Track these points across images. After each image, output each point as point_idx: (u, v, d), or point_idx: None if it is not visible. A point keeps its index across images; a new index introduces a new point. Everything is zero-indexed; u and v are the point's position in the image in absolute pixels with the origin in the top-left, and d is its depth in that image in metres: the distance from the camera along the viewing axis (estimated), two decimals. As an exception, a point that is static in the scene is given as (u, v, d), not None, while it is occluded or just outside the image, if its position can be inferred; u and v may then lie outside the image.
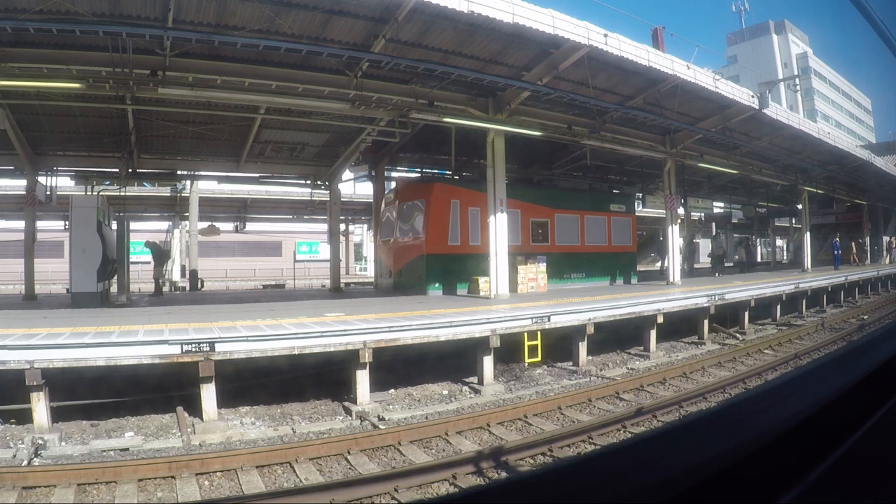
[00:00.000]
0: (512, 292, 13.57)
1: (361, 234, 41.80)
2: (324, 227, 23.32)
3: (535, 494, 0.88)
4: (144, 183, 21.73)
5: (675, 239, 17.48)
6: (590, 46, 10.19)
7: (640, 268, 22.61)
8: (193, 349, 6.70)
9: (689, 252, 27.65)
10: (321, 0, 8.94)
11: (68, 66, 9.52)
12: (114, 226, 13.87)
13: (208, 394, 6.92)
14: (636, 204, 22.04)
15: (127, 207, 19.57)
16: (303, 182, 17.77)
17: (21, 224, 16.25)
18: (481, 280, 13.55)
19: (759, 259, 39.28)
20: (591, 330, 10.19)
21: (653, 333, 11.63)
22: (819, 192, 25.16)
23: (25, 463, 5.64)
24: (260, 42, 9.20)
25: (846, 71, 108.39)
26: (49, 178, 14.70)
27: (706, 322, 13.02)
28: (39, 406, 6.31)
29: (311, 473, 5.58)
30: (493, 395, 8.57)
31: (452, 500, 1.68)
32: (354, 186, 26.78)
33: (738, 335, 13.58)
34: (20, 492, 4.94)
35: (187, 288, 22.03)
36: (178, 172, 17.05)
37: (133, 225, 18.63)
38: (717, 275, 22.60)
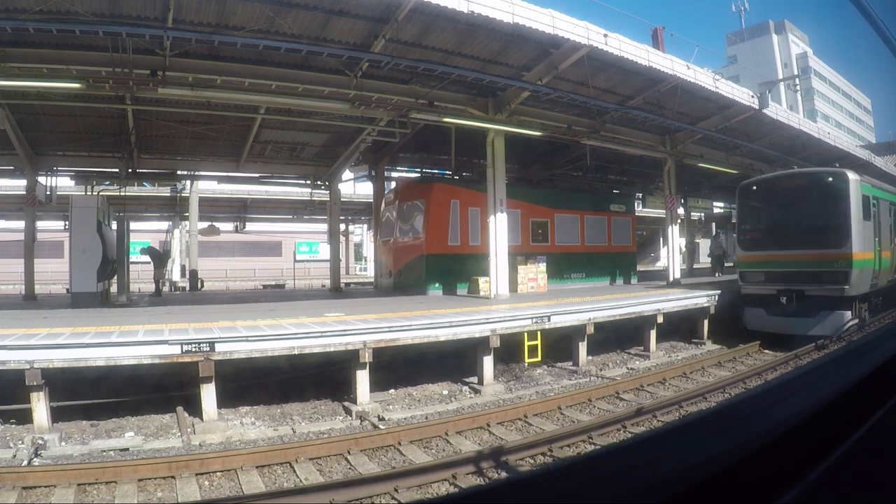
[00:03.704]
0: (512, 292, 13.57)
1: (361, 234, 41.80)
2: (324, 227, 23.33)
3: (535, 494, 0.88)
4: (144, 183, 21.73)
5: (674, 239, 17.48)
6: (590, 46, 10.19)
7: (639, 267, 22.61)
8: (193, 349, 6.70)
9: (689, 252, 27.56)
10: (321, 0, 8.94)
11: (68, 66, 9.52)
12: (114, 226, 13.87)
13: (208, 394, 6.92)
14: (636, 204, 22.03)
15: (127, 207, 19.57)
16: (303, 182, 17.77)
17: (21, 224, 16.25)
18: (481, 280, 13.55)
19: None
20: (591, 330, 10.19)
21: (653, 333, 11.62)
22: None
23: (25, 463, 5.64)
24: (260, 42, 9.20)
25: (846, 71, 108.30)
26: (49, 178, 14.69)
27: (706, 322, 13.01)
28: (39, 406, 6.31)
29: (311, 473, 5.58)
30: (493, 395, 8.57)
31: (452, 500, 1.68)
32: (354, 186, 26.78)
33: (737, 335, 13.52)
34: (20, 492, 4.94)
35: (187, 288, 22.03)
36: (178, 172, 17.05)
37: (133, 225, 18.67)
38: (717, 275, 22.59)
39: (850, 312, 11.28)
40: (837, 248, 11.23)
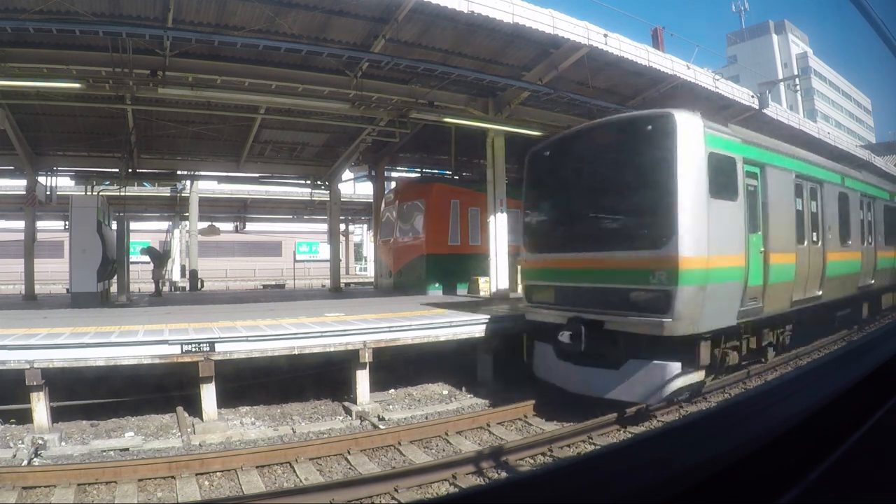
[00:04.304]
0: (512, 292, 13.57)
1: (361, 234, 41.80)
2: (324, 227, 23.34)
3: (535, 494, 0.88)
4: (144, 183, 21.75)
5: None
6: (590, 46, 10.19)
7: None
8: (193, 349, 6.70)
9: None
10: (321, 0, 8.94)
11: (68, 66, 9.53)
12: (114, 226, 13.88)
13: (208, 394, 6.92)
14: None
15: (127, 207, 19.57)
16: (303, 182, 17.79)
17: (21, 224, 16.25)
18: (481, 280, 13.55)
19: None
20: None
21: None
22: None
23: (25, 463, 5.64)
24: (260, 42, 9.21)
25: (846, 71, 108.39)
26: (49, 178, 14.71)
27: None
28: (39, 406, 6.31)
29: (311, 473, 5.57)
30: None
31: (452, 500, 1.68)
32: (354, 186, 26.79)
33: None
34: (20, 492, 4.93)
35: (187, 288, 22.04)
36: (178, 172, 17.08)
37: (133, 225, 18.67)
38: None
39: (678, 364, 6.43)
40: (654, 248, 6.42)
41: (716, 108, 15.03)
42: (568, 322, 7.21)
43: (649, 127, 6.84)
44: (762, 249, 7.52)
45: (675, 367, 6.43)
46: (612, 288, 6.87)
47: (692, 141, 6.53)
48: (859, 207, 11.48)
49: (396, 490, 4.96)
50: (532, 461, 5.82)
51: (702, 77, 12.81)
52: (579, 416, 6.94)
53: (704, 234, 6.38)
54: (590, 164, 7.85)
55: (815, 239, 9.29)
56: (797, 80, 40.27)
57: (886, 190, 14.02)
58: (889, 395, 1.35)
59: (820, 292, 9.37)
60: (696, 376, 6.74)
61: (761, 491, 0.95)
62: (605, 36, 10.33)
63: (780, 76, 58.34)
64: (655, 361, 6.52)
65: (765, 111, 14.77)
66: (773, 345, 8.63)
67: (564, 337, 7.04)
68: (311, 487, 5.09)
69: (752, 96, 14.60)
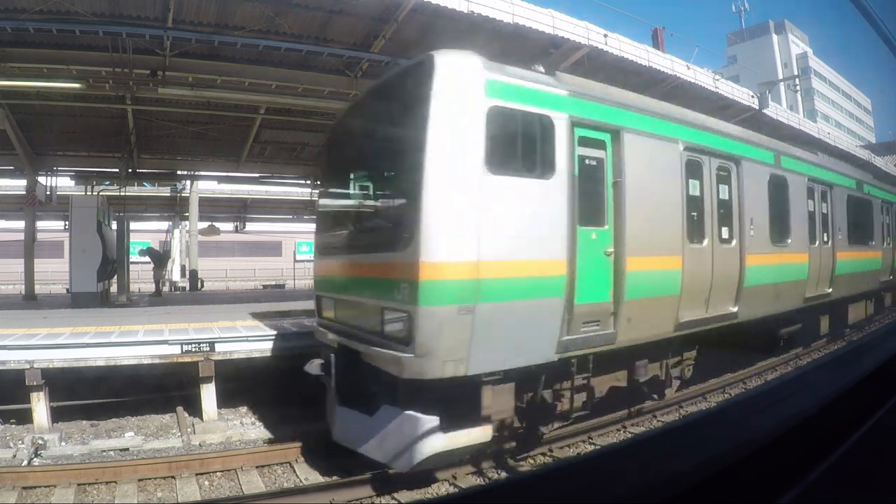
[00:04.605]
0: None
1: (361, 234, 41.77)
2: (324, 227, 23.32)
3: (535, 494, 0.88)
4: (144, 183, 21.75)
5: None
6: (590, 46, 10.20)
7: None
8: (193, 349, 6.71)
9: None
10: (321, 0, 8.95)
11: (68, 66, 9.54)
12: (114, 226, 13.89)
13: (208, 394, 6.92)
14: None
15: (127, 207, 19.57)
16: (303, 182, 17.78)
17: (21, 224, 16.26)
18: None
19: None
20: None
21: None
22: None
23: (25, 463, 5.64)
24: (260, 42, 9.22)
25: (846, 71, 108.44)
26: (49, 178, 14.71)
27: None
28: (39, 406, 6.31)
29: (311, 473, 5.57)
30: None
31: (452, 500, 1.68)
32: (354, 186, 26.75)
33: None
34: (20, 492, 4.94)
35: (187, 288, 22.05)
36: (178, 172, 17.07)
37: (133, 225, 18.68)
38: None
39: (435, 419, 4.48)
40: (398, 249, 4.62)
41: (716, 108, 15.05)
42: (338, 347, 5.52)
43: (409, 79, 4.99)
44: (609, 250, 5.42)
45: (430, 421, 4.44)
46: (366, 305, 5.18)
47: (459, 90, 4.56)
48: (807, 196, 9.00)
49: (396, 490, 4.96)
50: (532, 461, 5.81)
51: (702, 77, 12.82)
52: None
53: (472, 228, 4.42)
54: (361, 138, 6.17)
55: (724, 236, 6.92)
56: (797, 81, 40.29)
57: (852, 177, 11.48)
58: (889, 395, 1.35)
59: (735, 308, 7.02)
60: (477, 434, 4.70)
61: (761, 491, 0.95)
62: (605, 36, 10.34)
63: (780, 76, 58.30)
64: (408, 411, 4.53)
65: (765, 111, 14.77)
66: (661, 379, 6.57)
67: (313, 367, 5.56)
68: (311, 487, 5.10)
69: (752, 96, 14.61)
